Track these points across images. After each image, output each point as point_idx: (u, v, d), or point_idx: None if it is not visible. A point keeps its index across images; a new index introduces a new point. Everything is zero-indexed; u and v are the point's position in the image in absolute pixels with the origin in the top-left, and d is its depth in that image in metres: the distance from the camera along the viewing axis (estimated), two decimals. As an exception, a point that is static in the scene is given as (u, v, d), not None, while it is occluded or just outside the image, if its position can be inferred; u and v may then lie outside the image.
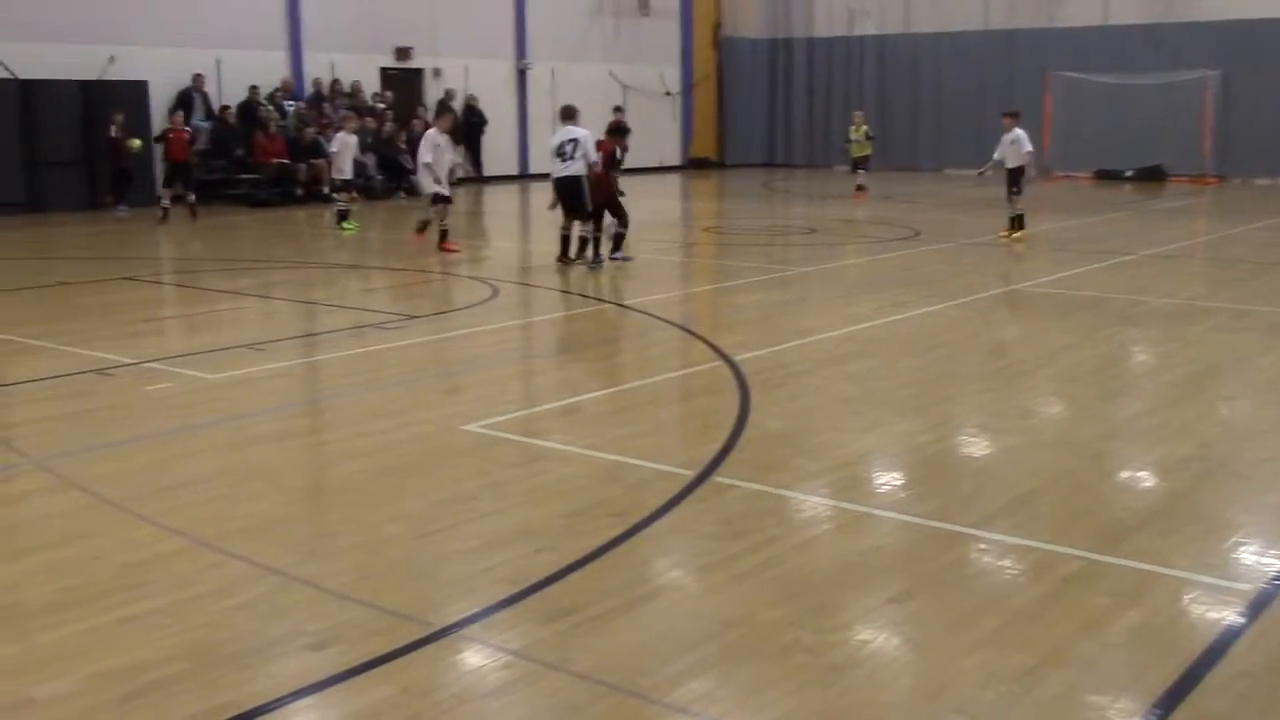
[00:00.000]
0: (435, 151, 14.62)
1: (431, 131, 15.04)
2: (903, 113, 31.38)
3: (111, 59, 21.30)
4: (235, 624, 4.41)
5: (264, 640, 4.27)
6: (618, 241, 14.09)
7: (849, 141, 24.01)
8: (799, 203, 25.40)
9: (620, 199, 14.24)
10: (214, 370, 8.59)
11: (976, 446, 6.98)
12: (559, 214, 14.07)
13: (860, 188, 23.38)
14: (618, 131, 16.64)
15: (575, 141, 13.55)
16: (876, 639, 4.33)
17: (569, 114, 14.03)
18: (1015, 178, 16.18)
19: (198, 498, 5.83)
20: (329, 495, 6.16)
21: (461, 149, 27.07)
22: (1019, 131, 16.14)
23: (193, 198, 19.28)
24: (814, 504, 5.80)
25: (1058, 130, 28.47)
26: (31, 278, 13.64)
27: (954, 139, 30.17)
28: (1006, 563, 5.04)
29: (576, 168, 13.55)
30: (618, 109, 26.20)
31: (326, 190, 22.16)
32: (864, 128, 23.88)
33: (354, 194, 18.31)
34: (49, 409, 7.65)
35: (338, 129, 18.92)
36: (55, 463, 6.41)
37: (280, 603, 4.61)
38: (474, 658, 4.17)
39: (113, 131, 19.71)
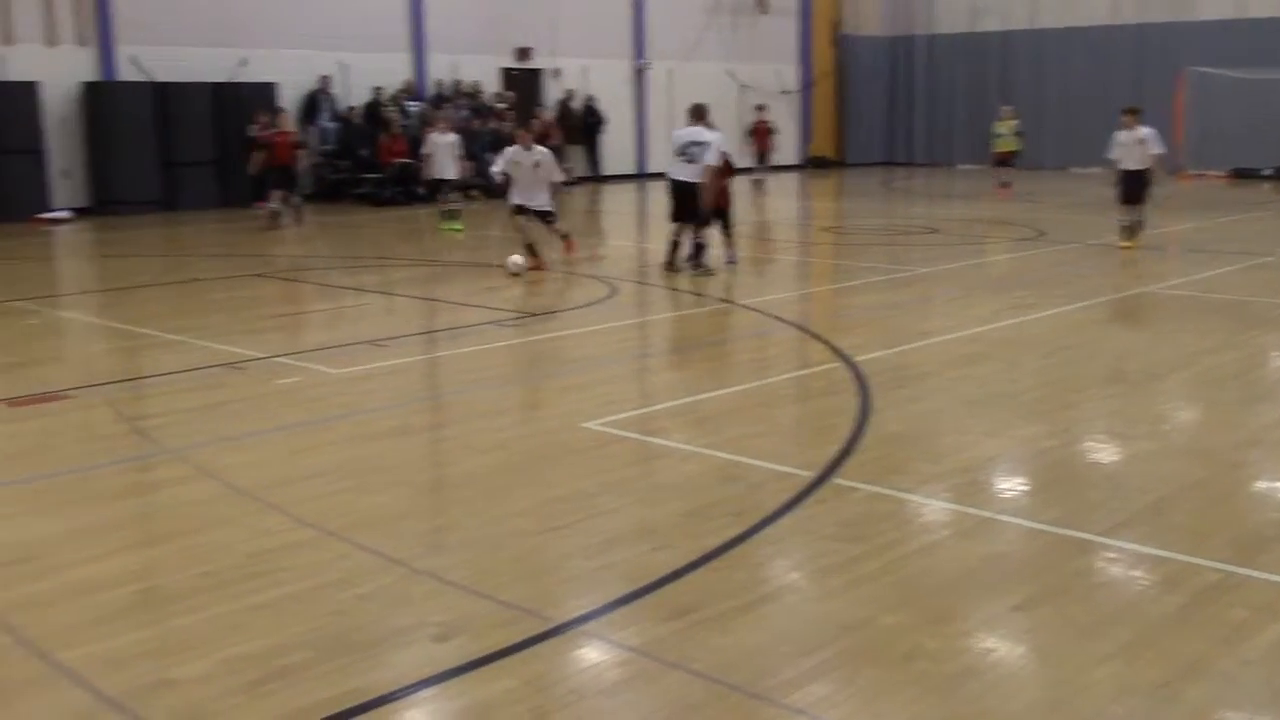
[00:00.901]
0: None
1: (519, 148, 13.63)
2: (1027, 110, 30.45)
3: (243, 62, 21.94)
4: (362, 613, 4.50)
5: (389, 630, 4.36)
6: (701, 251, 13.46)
7: (995, 136, 23.65)
8: (920, 202, 25.03)
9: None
10: (339, 365, 8.79)
11: (1105, 452, 6.80)
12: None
13: (1004, 184, 23.10)
14: None
15: (703, 145, 12.99)
16: (1000, 647, 4.25)
17: (699, 114, 13.33)
18: (1141, 181, 14.85)
19: (325, 489, 5.97)
20: (450, 489, 6.26)
21: (580, 148, 27.34)
22: (1147, 130, 14.84)
23: (299, 200, 18.90)
24: (936, 508, 5.71)
25: (1191, 128, 27.58)
26: (167, 274, 14.11)
27: (1080, 137, 29.40)
28: (1138, 573, 4.90)
29: (697, 172, 13.02)
30: (759, 107, 25.98)
31: (426, 190, 22.56)
32: (1012, 123, 23.51)
33: (469, 193, 18.31)
34: (184, 401, 7.91)
35: (429, 131, 19.04)
36: (190, 452, 6.63)
37: (405, 594, 4.69)
38: (594, 654, 4.19)
39: (253, 131, 20.29)
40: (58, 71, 20.20)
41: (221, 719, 3.71)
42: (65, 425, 7.39)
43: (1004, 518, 5.56)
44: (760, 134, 24.94)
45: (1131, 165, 14.91)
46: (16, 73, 19.74)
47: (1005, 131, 23.42)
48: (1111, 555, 5.08)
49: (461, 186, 18.15)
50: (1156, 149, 14.89)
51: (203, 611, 4.50)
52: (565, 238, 14.14)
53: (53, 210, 19.92)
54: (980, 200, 22.61)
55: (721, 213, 13.61)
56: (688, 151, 13.06)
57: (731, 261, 13.65)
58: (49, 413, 7.60)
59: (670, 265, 13.41)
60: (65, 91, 20.38)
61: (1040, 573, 4.89)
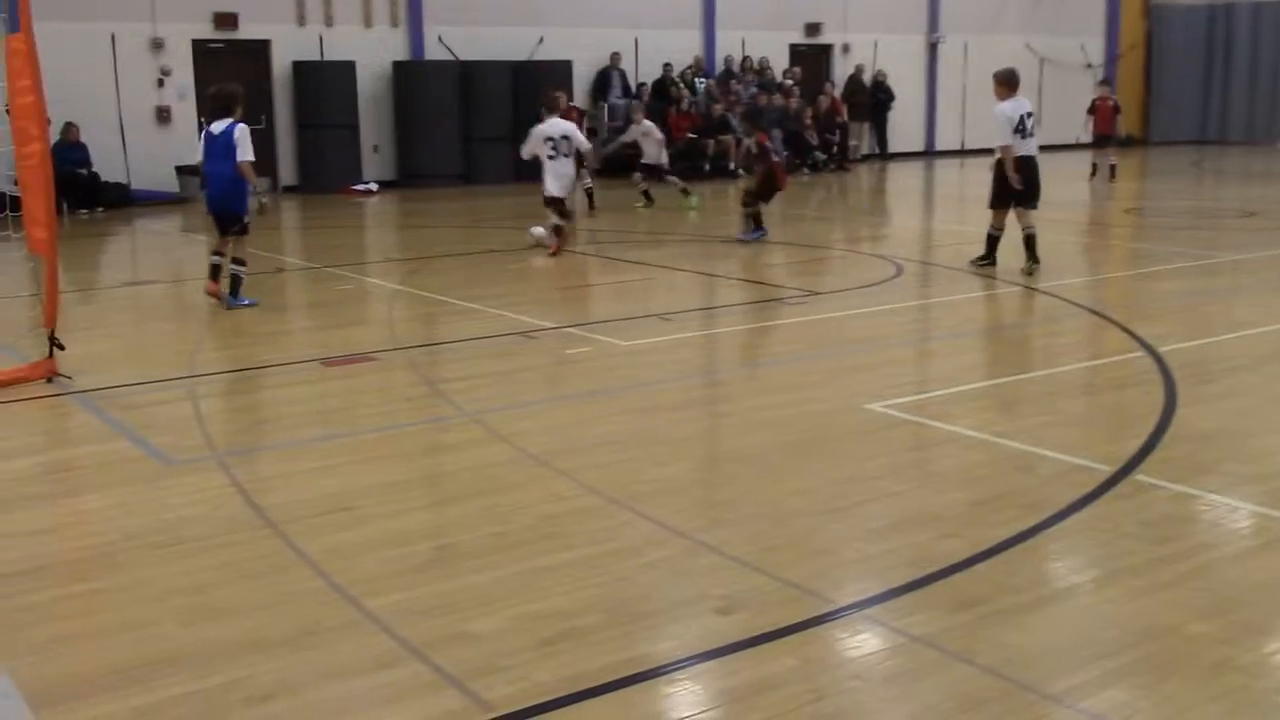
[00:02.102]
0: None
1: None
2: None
3: (540, 40, 22.68)
4: (646, 582, 4.59)
5: (672, 600, 4.42)
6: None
7: None
8: (1234, 183, 23.35)
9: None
10: (626, 337, 8.97)
11: None
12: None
13: None
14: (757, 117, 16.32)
15: (1032, 115, 11.76)
16: (1324, 667, 3.91)
17: (1016, 82, 11.92)
18: None
19: (611, 458, 6.11)
20: (732, 464, 6.28)
21: (867, 125, 26.89)
22: None
23: (589, 183, 18.16)
24: (1249, 513, 5.31)
25: None
26: (464, 245, 14.78)
27: None
28: None
29: (1036, 146, 11.80)
30: (1103, 83, 23.40)
31: (733, 166, 22.60)
32: None
33: (663, 178, 18.14)
34: (480, 367, 8.27)
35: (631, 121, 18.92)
36: (486, 417, 6.92)
37: (687, 565, 4.75)
38: (876, 640, 4.12)
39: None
40: (371, 51, 21.49)
41: (513, 674, 3.85)
42: (372, 385, 7.86)
43: (1329, 527, 5.12)
44: (1103, 112, 21.94)
45: None
46: (335, 53, 21.12)
47: None
48: None
49: (657, 172, 18.19)
50: None
51: (496, 570, 4.70)
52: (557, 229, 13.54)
53: (363, 182, 21.23)
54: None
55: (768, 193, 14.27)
56: (1027, 125, 11.62)
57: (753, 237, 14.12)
58: (358, 373, 8.11)
59: (1034, 259, 11.67)
60: (378, 70, 21.64)
61: (1371, 590, 4.48)
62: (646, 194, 18.31)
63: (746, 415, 7.08)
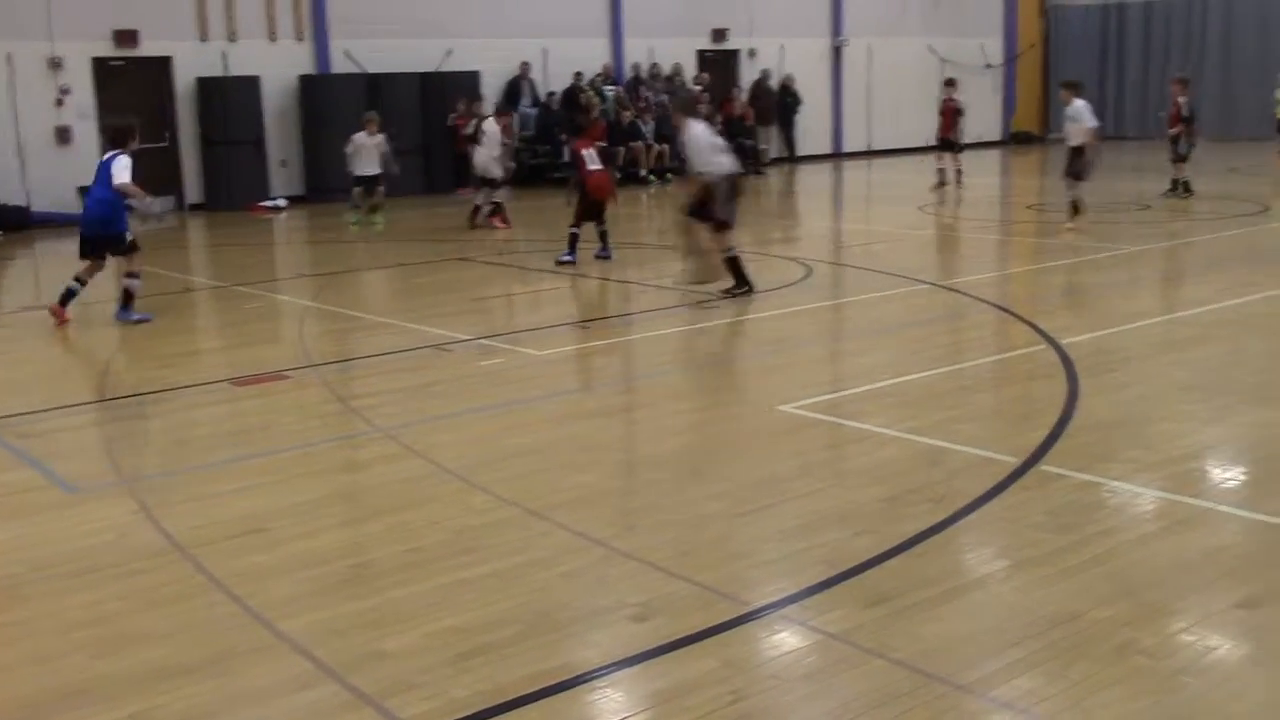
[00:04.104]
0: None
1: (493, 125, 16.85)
2: (1249, 77, 28.90)
3: (449, 52, 22.57)
4: (563, 592, 4.59)
5: (590, 609, 4.43)
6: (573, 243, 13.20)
7: (1278, 103, 22.21)
8: (1130, 177, 23.87)
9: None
10: (540, 347, 8.97)
11: (1339, 442, 6.37)
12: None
13: None
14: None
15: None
16: (1223, 646, 4.04)
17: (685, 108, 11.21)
18: None
19: (527, 469, 6.11)
20: (648, 471, 6.31)
21: (775, 128, 27.12)
22: None
23: (493, 201, 17.31)
24: (1151, 497, 5.46)
25: None
26: (375, 259, 14.65)
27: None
28: (1376, 571, 4.59)
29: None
30: (948, 83, 22.21)
31: (644, 173, 22.65)
32: None
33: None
34: (393, 382, 8.21)
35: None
36: (399, 432, 6.87)
37: (604, 574, 4.77)
38: (793, 638, 4.17)
39: (452, 120, 20.84)
40: (276, 65, 21.17)
41: (429, 690, 3.84)
42: (285, 404, 7.77)
43: (1225, 509, 5.28)
44: (946, 115, 20.98)
45: None
46: (240, 67, 20.79)
47: None
48: (1346, 552, 4.77)
49: (372, 184, 17.42)
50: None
51: (412, 586, 4.67)
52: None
53: (271, 199, 20.94)
54: (1199, 174, 21.42)
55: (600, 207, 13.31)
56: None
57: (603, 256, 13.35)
58: (270, 392, 8.00)
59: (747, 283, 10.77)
60: (283, 85, 21.35)
61: (1266, 568, 4.63)
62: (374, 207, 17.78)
63: (661, 421, 7.12)
